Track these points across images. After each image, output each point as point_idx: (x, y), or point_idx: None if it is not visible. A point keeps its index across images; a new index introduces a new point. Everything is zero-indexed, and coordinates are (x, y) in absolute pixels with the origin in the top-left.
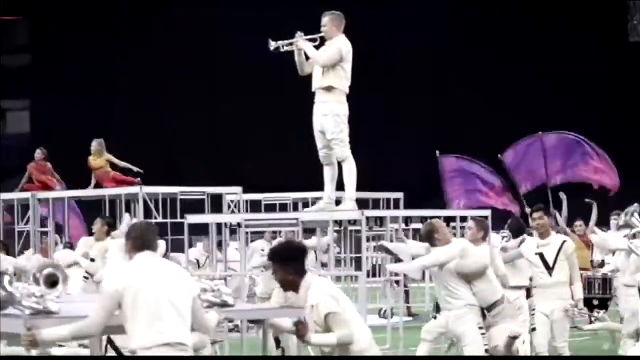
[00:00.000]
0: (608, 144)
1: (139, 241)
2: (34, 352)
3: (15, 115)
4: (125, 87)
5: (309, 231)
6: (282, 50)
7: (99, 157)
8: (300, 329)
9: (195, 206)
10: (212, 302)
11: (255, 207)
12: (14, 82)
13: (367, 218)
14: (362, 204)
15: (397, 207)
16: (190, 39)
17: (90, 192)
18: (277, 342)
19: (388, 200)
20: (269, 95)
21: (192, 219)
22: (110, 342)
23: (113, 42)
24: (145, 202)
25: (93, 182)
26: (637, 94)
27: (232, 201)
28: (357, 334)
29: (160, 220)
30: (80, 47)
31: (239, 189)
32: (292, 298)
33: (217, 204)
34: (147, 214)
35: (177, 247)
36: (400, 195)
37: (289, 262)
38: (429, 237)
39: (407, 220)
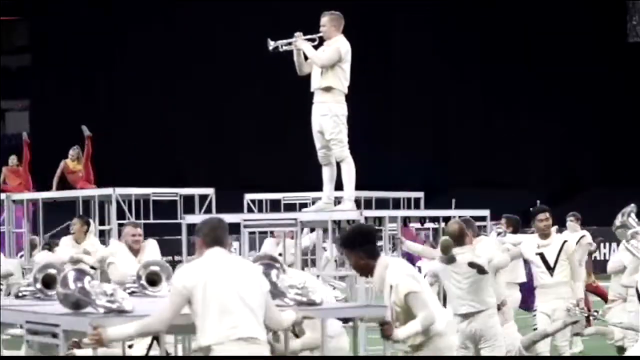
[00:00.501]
0: (608, 144)
1: (209, 237)
2: (99, 352)
3: (15, 116)
4: (125, 87)
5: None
6: (280, 49)
7: (79, 163)
8: (385, 329)
9: (168, 207)
10: (297, 301)
11: (275, 206)
12: (13, 82)
13: (366, 218)
14: (382, 204)
15: (417, 206)
16: (191, 39)
17: (63, 194)
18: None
19: (409, 199)
20: (270, 94)
21: (190, 219)
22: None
23: (113, 42)
24: (118, 203)
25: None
26: (636, 95)
27: (252, 200)
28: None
29: (133, 221)
30: (80, 48)
31: (211, 190)
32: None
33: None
34: (120, 215)
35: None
36: (420, 194)
37: (357, 247)
38: (461, 235)
39: (422, 219)
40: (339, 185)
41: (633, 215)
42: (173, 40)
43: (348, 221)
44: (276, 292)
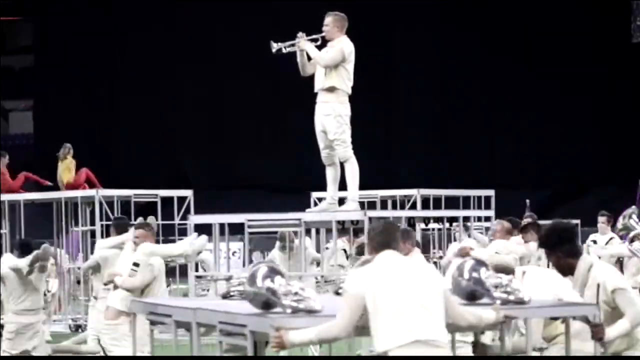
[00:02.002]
0: (609, 144)
1: (377, 241)
2: (282, 353)
3: (18, 116)
4: (128, 87)
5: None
6: (284, 51)
7: (62, 162)
8: (597, 331)
9: (149, 208)
10: (503, 299)
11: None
12: (16, 82)
13: (370, 218)
14: (452, 202)
15: (487, 204)
16: (191, 39)
17: (46, 195)
18: None
19: (479, 197)
20: (271, 94)
21: (195, 219)
22: None
23: (115, 42)
24: (100, 204)
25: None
26: None
27: (319, 198)
28: None
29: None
30: (83, 48)
31: (189, 192)
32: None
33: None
34: (103, 216)
35: None
36: (491, 192)
37: (556, 246)
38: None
39: (426, 220)
40: (342, 186)
41: (635, 217)
42: (173, 40)
43: (352, 222)
44: (482, 290)
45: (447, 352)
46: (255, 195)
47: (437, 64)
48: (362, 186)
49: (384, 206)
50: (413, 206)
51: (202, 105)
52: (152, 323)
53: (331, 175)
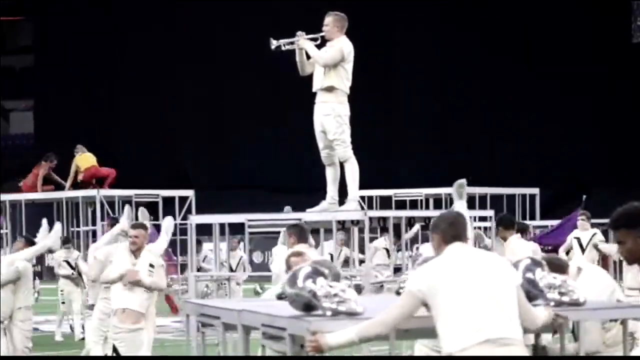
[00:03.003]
0: (609, 145)
1: (449, 233)
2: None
3: (19, 116)
4: (128, 87)
5: (313, 231)
6: (283, 48)
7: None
8: None
9: (150, 208)
10: (557, 300)
11: (385, 202)
12: (17, 82)
13: (370, 218)
14: (496, 200)
15: (532, 202)
16: (191, 39)
17: (47, 195)
18: None
19: (523, 195)
20: (270, 94)
21: (196, 219)
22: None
23: (115, 42)
24: (102, 204)
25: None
26: None
27: (361, 197)
28: None
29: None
30: (83, 48)
31: (191, 192)
32: None
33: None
34: (104, 216)
35: None
36: (536, 190)
37: (637, 226)
38: None
39: (427, 220)
40: (342, 186)
41: None
42: (173, 40)
43: (352, 221)
44: (536, 291)
45: (522, 351)
46: (255, 195)
47: (437, 64)
48: (362, 186)
49: (427, 205)
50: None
51: (202, 105)
52: (203, 325)
53: (331, 175)
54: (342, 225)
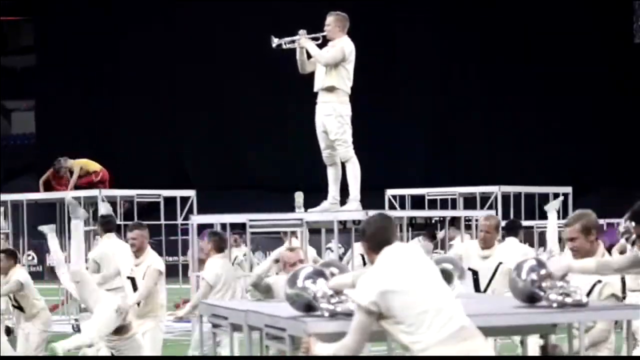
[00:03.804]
0: (610, 145)
1: (377, 239)
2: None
3: (20, 116)
4: (129, 86)
5: (314, 231)
6: (284, 47)
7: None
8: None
9: (151, 208)
10: (560, 302)
11: (417, 202)
12: (18, 82)
13: None
14: (529, 199)
15: (565, 201)
16: (192, 38)
17: (49, 195)
18: None
19: (556, 194)
20: (271, 94)
21: (197, 219)
22: None
23: (117, 42)
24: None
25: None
26: None
27: (393, 196)
28: None
29: (120, 222)
30: (84, 48)
31: (192, 192)
32: None
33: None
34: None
35: None
36: (568, 189)
37: None
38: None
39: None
40: (343, 186)
41: None
42: (174, 40)
43: (354, 221)
44: (539, 292)
45: (482, 337)
46: (256, 195)
47: (438, 63)
48: (363, 186)
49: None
50: (492, 203)
51: (202, 105)
52: (213, 325)
53: (332, 176)
54: (344, 225)
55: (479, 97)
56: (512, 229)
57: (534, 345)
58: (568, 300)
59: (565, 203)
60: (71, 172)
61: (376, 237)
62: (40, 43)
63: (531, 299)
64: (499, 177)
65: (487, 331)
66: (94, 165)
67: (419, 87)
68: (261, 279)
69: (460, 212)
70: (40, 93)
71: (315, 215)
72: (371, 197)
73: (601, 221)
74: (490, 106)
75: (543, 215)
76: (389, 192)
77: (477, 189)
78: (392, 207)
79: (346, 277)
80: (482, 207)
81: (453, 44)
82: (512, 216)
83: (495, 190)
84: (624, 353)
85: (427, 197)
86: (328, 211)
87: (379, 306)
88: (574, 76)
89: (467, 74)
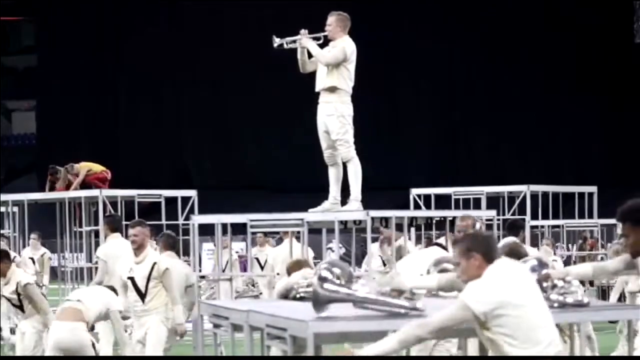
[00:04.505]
0: (613, 145)
1: (490, 252)
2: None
3: (21, 116)
4: (130, 87)
5: (315, 231)
6: (285, 47)
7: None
8: None
9: (152, 208)
10: (561, 302)
11: (443, 201)
12: (19, 82)
13: (372, 218)
14: (555, 198)
15: (590, 201)
16: (195, 39)
17: (50, 195)
18: None
19: (581, 193)
20: (275, 94)
21: (198, 219)
22: None
23: (118, 42)
24: (104, 205)
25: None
26: None
27: (418, 195)
28: None
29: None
30: (85, 48)
31: (193, 192)
32: None
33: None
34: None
35: None
36: (593, 188)
37: None
38: None
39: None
40: (344, 186)
41: None
42: (176, 40)
43: (354, 222)
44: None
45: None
46: (257, 195)
47: (441, 63)
48: (365, 187)
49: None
50: (522, 202)
51: (203, 105)
52: (214, 325)
53: (334, 176)
54: (345, 225)
55: (483, 97)
56: (512, 229)
57: None
58: (569, 300)
59: (590, 202)
60: (76, 176)
61: (492, 249)
62: (41, 43)
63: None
64: (503, 176)
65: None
66: (98, 167)
67: (421, 88)
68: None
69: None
70: (41, 93)
71: (316, 215)
72: (395, 196)
73: (606, 221)
74: (494, 106)
75: (568, 214)
76: (414, 192)
77: (505, 189)
78: (417, 206)
79: (431, 279)
80: (509, 207)
81: (457, 43)
82: (540, 216)
83: (524, 189)
84: (625, 353)
85: (453, 197)
86: (329, 211)
87: (487, 316)
88: (574, 76)
89: (471, 74)
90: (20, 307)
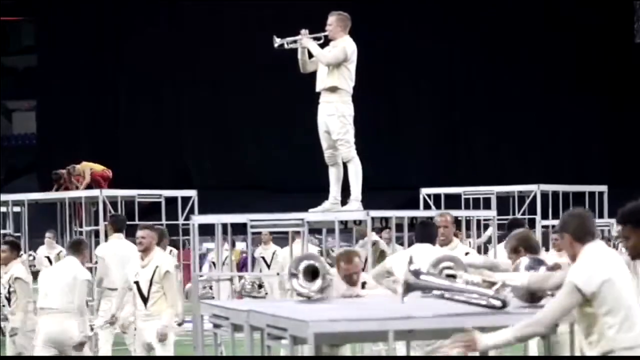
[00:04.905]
0: (613, 145)
1: (583, 230)
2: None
3: (21, 116)
4: (130, 87)
5: (315, 231)
6: (286, 47)
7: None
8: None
9: (152, 208)
10: None
11: (452, 201)
12: (19, 82)
13: (372, 218)
14: (565, 198)
15: (601, 200)
16: (195, 38)
17: (50, 195)
18: None
19: (592, 193)
20: (275, 93)
21: (198, 219)
22: None
23: (118, 42)
24: (104, 205)
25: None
26: None
27: (428, 195)
28: None
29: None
30: (85, 48)
31: (193, 192)
32: None
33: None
34: (107, 216)
35: None
36: (604, 188)
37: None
38: None
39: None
40: (345, 186)
41: None
42: (176, 39)
43: (355, 222)
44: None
45: None
46: (258, 195)
47: (441, 63)
48: (365, 187)
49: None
50: (532, 203)
51: (204, 105)
52: (214, 325)
53: (334, 176)
54: (345, 225)
55: (483, 97)
56: (512, 228)
57: (534, 345)
58: None
59: (601, 201)
60: (79, 176)
61: (583, 229)
62: (41, 43)
63: (532, 298)
64: (502, 176)
65: (488, 330)
66: (98, 167)
67: (421, 88)
68: None
69: (462, 212)
70: (42, 93)
71: (316, 215)
72: (395, 196)
73: (608, 221)
74: (494, 106)
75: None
76: (424, 191)
77: (515, 188)
78: (427, 206)
79: (522, 275)
80: (519, 207)
81: (457, 43)
82: (550, 215)
83: (535, 189)
84: None
85: (463, 197)
86: (329, 211)
87: (594, 295)
88: (575, 76)
89: (470, 74)
90: (8, 300)
